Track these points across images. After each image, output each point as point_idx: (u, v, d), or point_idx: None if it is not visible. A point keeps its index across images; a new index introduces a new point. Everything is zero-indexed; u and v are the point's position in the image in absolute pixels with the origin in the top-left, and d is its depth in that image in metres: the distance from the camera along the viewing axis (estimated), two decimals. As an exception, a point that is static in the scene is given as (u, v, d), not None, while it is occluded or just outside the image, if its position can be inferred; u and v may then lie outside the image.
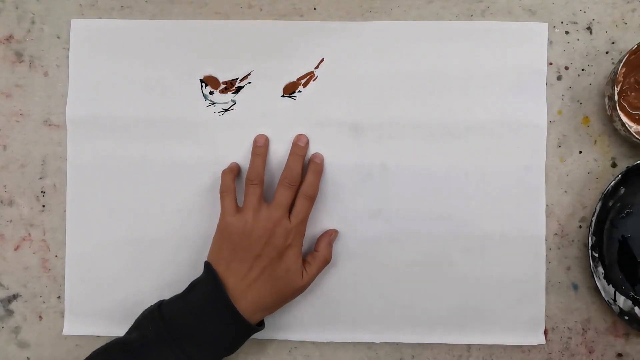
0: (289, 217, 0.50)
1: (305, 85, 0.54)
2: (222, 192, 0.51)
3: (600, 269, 0.52)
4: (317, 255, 0.52)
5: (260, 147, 0.52)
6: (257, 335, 0.53)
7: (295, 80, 0.54)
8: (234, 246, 0.49)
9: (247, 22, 0.54)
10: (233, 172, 0.52)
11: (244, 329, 0.48)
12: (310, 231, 0.53)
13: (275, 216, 0.49)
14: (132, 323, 0.49)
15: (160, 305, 0.48)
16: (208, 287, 0.48)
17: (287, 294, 0.50)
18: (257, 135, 0.53)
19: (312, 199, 0.51)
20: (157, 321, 0.47)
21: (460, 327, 0.53)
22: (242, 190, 0.52)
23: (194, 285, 0.49)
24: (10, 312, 0.55)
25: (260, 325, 0.50)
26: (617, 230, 0.53)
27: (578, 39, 0.54)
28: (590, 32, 0.54)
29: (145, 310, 0.49)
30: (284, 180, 0.50)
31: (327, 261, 0.52)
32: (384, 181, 0.53)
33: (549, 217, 0.54)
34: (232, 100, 0.54)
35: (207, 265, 0.49)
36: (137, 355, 0.46)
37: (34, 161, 0.55)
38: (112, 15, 0.55)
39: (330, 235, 0.53)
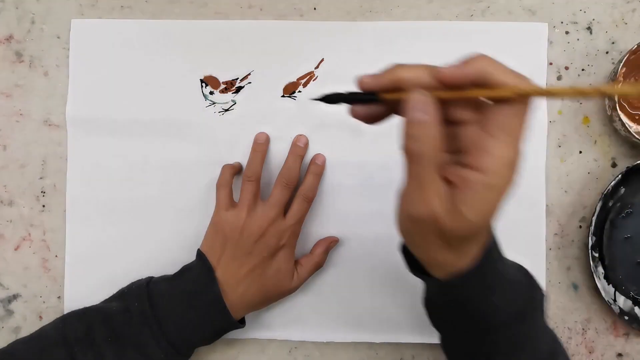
0: (284, 216, 0.50)
1: (305, 85, 0.54)
2: (218, 185, 0.51)
3: (600, 269, 0.52)
4: (311, 259, 0.52)
5: (260, 144, 0.52)
6: (257, 335, 0.54)
7: (295, 80, 0.54)
8: (225, 241, 0.49)
9: (247, 22, 0.54)
10: (234, 168, 0.52)
11: (227, 324, 0.48)
12: (309, 231, 0.53)
13: (270, 215, 0.49)
14: (117, 290, 0.50)
15: (149, 283, 0.48)
16: (199, 277, 0.48)
17: (275, 294, 0.50)
18: (258, 133, 0.53)
19: (310, 200, 0.51)
20: (143, 299, 0.47)
21: (460, 327, 0.53)
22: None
23: (184, 271, 0.49)
24: (10, 312, 0.55)
25: (242, 322, 0.50)
26: (617, 230, 0.53)
27: (578, 39, 0.54)
28: (590, 32, 0.54)
29: (134, 283, 0.50)
30: (281, 179, 0.50)
31: (319, 266, 0.52)
32: (384, 181, 0.53)
33: (549, 217, 0.54)
34: (232, 100, 0.54)
35: (200, 255, 0.49)
36: (116, 328, 0.46)
37: (34, 161, 0.55)
38: (112, 15, 0.55)
39: (330, 243, 0.53)
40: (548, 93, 0.29)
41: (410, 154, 0.31)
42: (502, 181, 0.30)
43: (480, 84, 0.30)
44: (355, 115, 0.34)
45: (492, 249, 0.34)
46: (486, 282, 0.34)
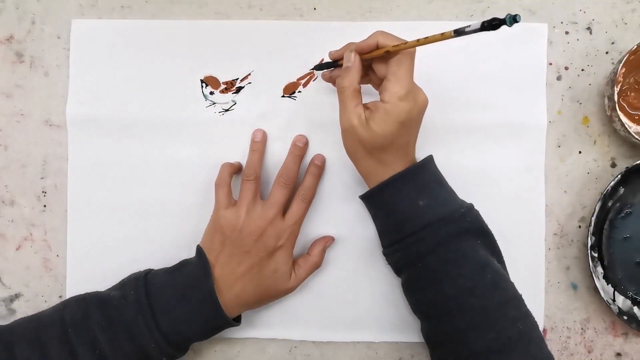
0: (283, 216, 0.50)
1: (305, 85, 0.54)
2: (216, 184, 0.51)
3: (600, 269, 0.53)
4: (308, 259, 0.52)
5: (257, 142, 0.53)
6: (258, 334, 0.54)
7: (295, 80, 0.54)
8: (224, 239, 0.49)
9: (247, 22, 0.54)
10: (232, 167, 0.52)
11: (221, 321, 0.48)
12: (309, 231, 0.54)
13: (269, 215, 0.49)
14: (120, 280, 0.51)
15: (148, 274, 0.49)
16: (196, 271, 0.49)
17: (272, 294, 0.51)
18: (255, 130, 0.54)
19: (308, 201, 0.52)
20: (140, 288, 0.48)
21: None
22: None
23: (183, 265, 0.50)
24: (12, 312, 0.55)
25: (237, 320, 0.51)
26: (616, 230, 0.53)
27: (578, 39, 0.54)
28: (590, 32, 0.54)
29: (132, 274, 0.50)
30: (279, 179, 0.51)
31: (317, 266, 0.52)
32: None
33: (548, 217, 0.54)
34: (233, 101, 0.54)
35: (200, 250, 0.50)
36: (111, 313, 0.47)
37: (34, 161, 0.55)
38: (112, 16, 0.55)
39: (326, 242, 0.53)
40: (404, 47, 0.44)
41: (340, 87, 0.46)
42: (395, 108, 0.44)
43: (377, 48, 0.46)
44: (324, 77, 0.52)
45: (418, 171, 0.47)
46: (413, 189, 0.46)
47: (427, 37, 0.42)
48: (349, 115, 0.45)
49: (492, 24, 0.37)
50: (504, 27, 0.37)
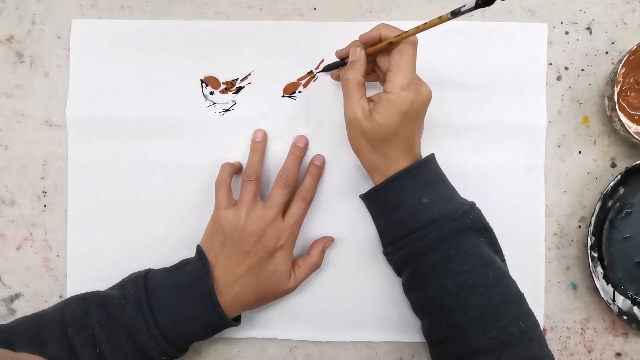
0: (283, 217, 0.50)
1: (305, 85, 0.54)
2: (217, 184, 0.51)
3: (599, 269, 0.53)
4: (308, 260, 0.52)
5: (258, 143, 0.53)
6: (258, 334, 0.54)
7: (295, 80, 0.54)
8: (224, 239, 0.49)
9: (247, 22, 0.54)
10: (232, 167, 0.52)
11: (220, 321, 0.48)
12: (309, 231, 0.54)
13: (269, 215, 0.49)
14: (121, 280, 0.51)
15: (148, 274, 0.50)
16: (196, 271, 0.49)
17: (271, 295, 0.51)
18: (256, 130, 0.54)
19: (308, 202, 0.52)
20: (140, 287, 0.48)
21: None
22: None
23: (183, 264, 0.50)
24: (12, 311, 0.55)
25: (237, 320, 0.51)
26: (616, 230, 0.53)
27: (578, 39, 0.54)
28: (590, 32, 0.54)
29: (132, 274, 0.51)
30: (279, 180, 0.51)
31: (317, 267, 0.52)
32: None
33: (548, 217, 0.54)
34: (233, 101, 0.54)
35: (200, 250, 0.50)
36: (111, 312, 0.47)
37: (35, 161, 0.55)
38: (112, 16, 0.55)
39: (326, 243, 0.53)
40: (405, 35, 0.44)
41: (344, 79, 0.47)
42: (397, 98, 0.45)
43: (381, 40, 0.46)
44: (333, 76, 0.53)
45: (422, 168, 0.47)
46: (417, 186, 0.46)
47: (425, 23, 0.43)
48: (353, 108, 0.46)
49: (485, 0, 0.38)
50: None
